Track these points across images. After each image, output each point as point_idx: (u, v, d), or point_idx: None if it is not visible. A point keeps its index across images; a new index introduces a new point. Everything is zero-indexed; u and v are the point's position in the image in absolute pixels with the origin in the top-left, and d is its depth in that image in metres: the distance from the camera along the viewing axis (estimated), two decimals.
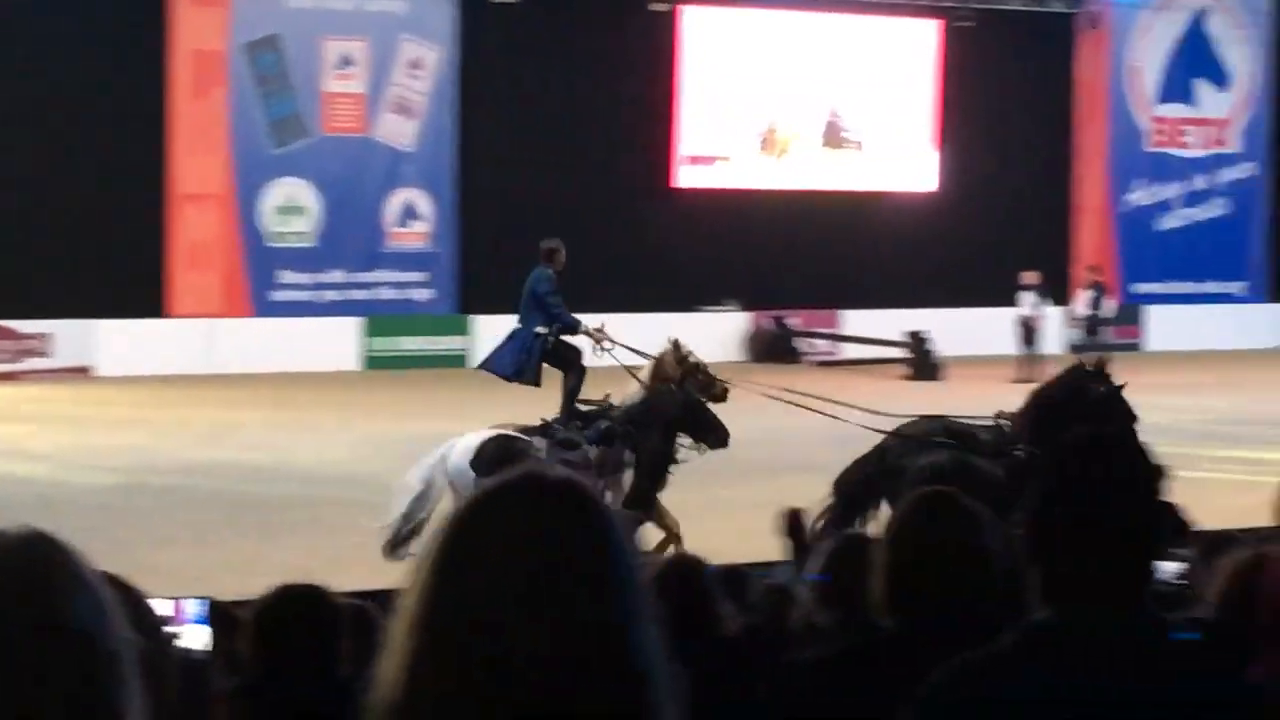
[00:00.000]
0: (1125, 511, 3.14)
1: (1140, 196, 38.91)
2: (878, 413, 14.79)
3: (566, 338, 16.58)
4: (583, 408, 15.97)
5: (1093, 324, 33.51)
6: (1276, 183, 39.62)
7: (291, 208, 32.77)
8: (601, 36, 33.86)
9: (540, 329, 16.40)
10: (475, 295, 32.86)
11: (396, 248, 33.71)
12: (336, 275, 33.20)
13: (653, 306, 33.58)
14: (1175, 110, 39.31)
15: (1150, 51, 38.88)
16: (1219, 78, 39.64)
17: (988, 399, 28.73)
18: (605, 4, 34.17)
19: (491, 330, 32.37)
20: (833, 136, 36.83)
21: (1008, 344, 32.50)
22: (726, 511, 17.07)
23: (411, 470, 15.20)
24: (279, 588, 5.64)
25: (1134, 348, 36.79)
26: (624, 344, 16.22)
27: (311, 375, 30.41)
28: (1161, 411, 28.51)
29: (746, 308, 35.29)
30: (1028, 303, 32.67)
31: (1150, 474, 3.24)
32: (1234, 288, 39.71)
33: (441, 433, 16.24)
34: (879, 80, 36.63)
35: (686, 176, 35.66)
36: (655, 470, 15.35)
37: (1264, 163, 39.76)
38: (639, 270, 33.74)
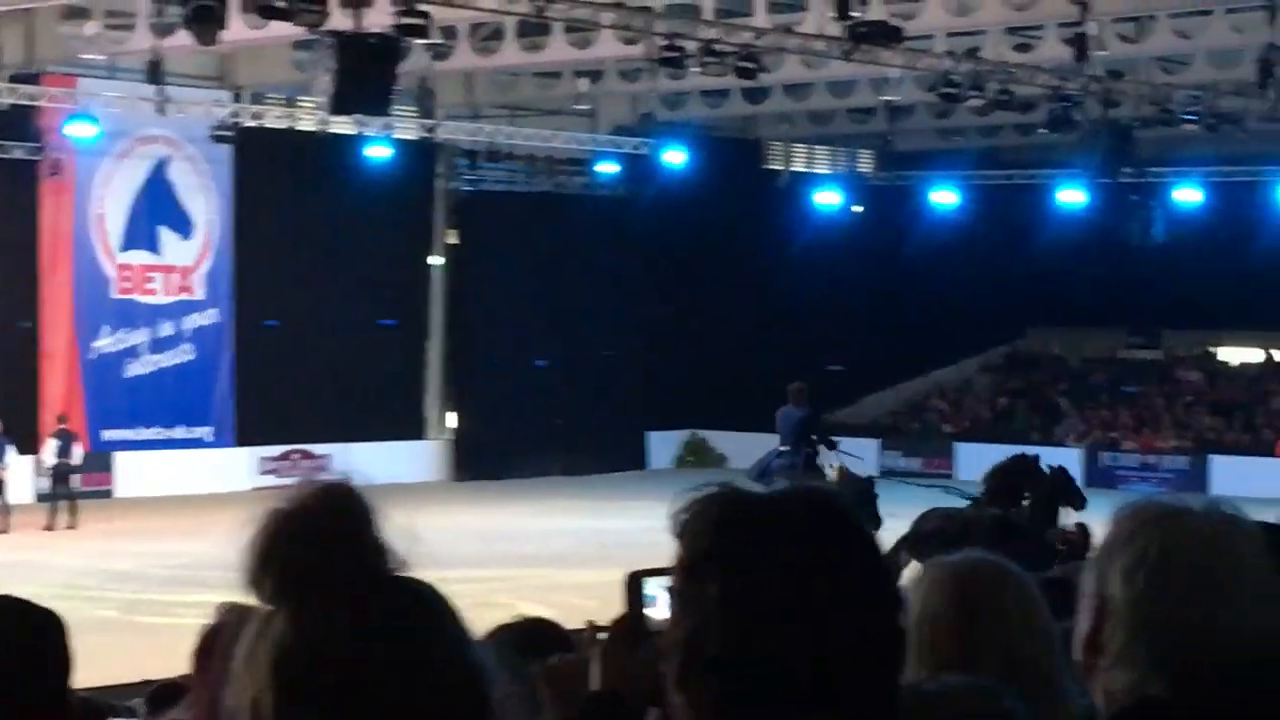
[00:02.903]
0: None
1: (107, 343, 38.85)
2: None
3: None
4: None
5: (62, 472, 33.35)
6: (239, 328, 40.53)
7: None
8: None
9: (808, 449, 26.79)
10: None
11: None
12: None
13: None
14: (141, 257, 39.49)
15: (114, 199, 38.96)
16: (182, 225, 40.20)
17: None
18: None
19: None
20: None
21: None
22: None
23: None
24: None
25: (105, 494, 36.79)
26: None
27: None
28: (129, 558, 28.77)
29: None
30: None
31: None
32: (203, 432, 40.26)
33: None
34: None
35: None
36: None
37: (226, 309, 40.60)
38: None
